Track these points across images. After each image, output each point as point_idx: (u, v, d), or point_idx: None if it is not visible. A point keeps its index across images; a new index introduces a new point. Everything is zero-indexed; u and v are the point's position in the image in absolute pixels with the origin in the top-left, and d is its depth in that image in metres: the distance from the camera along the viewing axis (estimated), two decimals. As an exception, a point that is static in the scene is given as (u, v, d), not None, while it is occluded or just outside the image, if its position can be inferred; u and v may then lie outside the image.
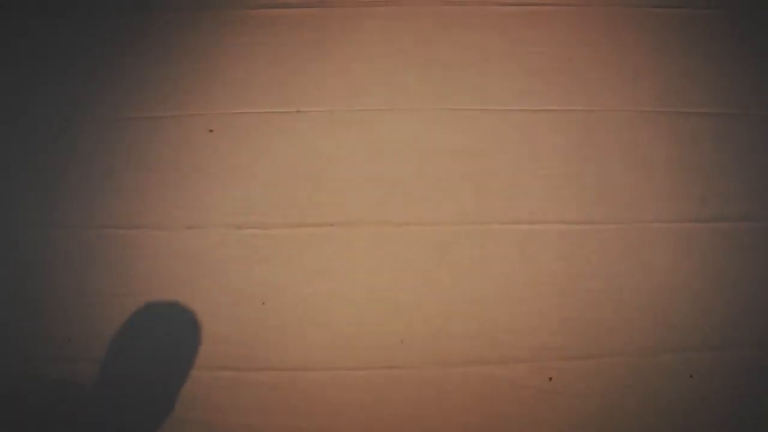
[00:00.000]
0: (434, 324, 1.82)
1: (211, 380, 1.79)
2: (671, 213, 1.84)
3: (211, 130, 1.75)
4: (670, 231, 1.83)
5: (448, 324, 1.82)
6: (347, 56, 1.86)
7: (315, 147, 1.85)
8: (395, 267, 1.83)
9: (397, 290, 1.82)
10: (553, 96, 1.87)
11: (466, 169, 1.85)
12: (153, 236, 1.81)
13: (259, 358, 1.80)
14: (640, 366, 1.81)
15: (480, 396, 1.80)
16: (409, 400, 1.80)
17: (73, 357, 1.78)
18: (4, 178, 1.82)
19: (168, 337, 1.80)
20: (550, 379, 1.77)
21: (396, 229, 1.84)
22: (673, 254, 1.83)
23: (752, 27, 1.89)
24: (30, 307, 1.79)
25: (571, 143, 1.87)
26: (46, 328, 1.79)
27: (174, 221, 1.82)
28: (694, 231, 1.84)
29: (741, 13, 1.89)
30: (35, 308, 1.79)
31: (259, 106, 1.85)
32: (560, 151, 1.87)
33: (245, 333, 1.80)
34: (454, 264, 1.83)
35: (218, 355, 1.79)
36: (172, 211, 1.82)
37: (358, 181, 1.84)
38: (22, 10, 1.86)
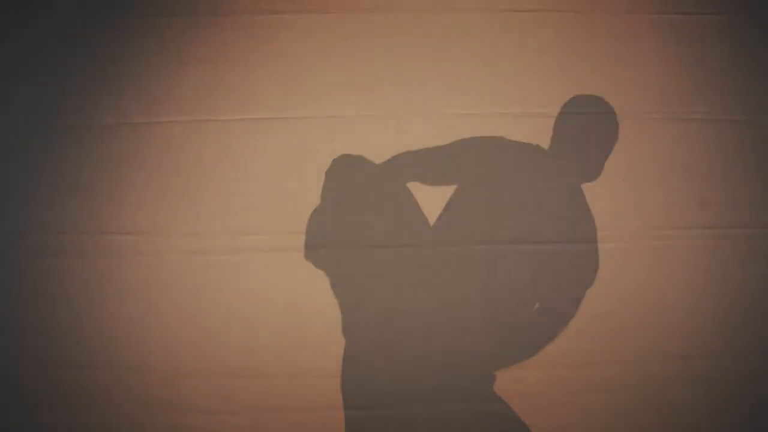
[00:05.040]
0: (422, 356, 1.78)
1: (212, 388, 1.78)
2: (676, 221, 1.82)
3: None
4: (675, 239, 1.82)
5: (437, 355, 1.79)
6: (347, 62, 1.82)
7: (281, 161, 1.80)
8: (398, 288, 1.79)
9: (400, 311, 1.78)
10: (551, 100, 1.83)
11: (466, 181, 1.81)
12: (151, 243, 1.79)
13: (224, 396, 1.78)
14: (648, 374, 1.81)
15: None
16: (408, 422, 1.78)
17: (66, 363, 1.78)
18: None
19: (164, 344, 1.78)
20: None
21: (392, 251, 1.79)
22: (679, 262, 1.82)
23: (757, 32, 1.87)
24: (22, 315, 1.79)
25: (567, 151, 1.84)
26: (35, 335, 1.78)
27: (173, 229, 1.79)
28: (700, 239, 1.82)
29: (745, 18, 1.87)
30: (27, 316, 1.78)
31: (254, 112, 1.81)
32: (556, 160, 1.82)
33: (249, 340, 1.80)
34: (440, 289, 1.79)
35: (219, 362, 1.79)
36: (172, 218, 1.79)
37: (331, 198, 1.80)
38: (13, 11, 1.83)
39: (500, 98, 1.82)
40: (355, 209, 1.79)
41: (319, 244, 1.78)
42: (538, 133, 1.81)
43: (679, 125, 1.83)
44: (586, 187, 1.80)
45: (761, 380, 1.81)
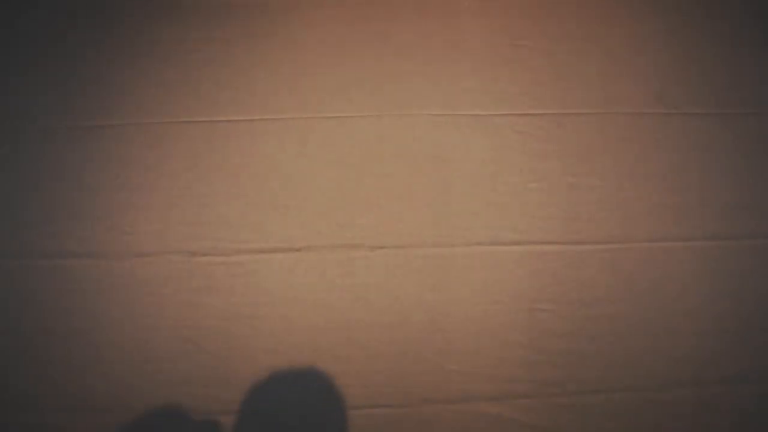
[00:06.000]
0: (421, 357, 1.77)
1: (211, 389, 1.73)
2: (678, 221, 1.80)
3: None
4: (683, 250, 1.79)
5: (436, 357, 1.76)
6: (347, 63, 1.81)
7: (277, 160, 1.79)
8: (374, 297, 1.77)
9: (379, 323, 1.76)
10: (543, 99, 1.83)
11: (449, 185, 1.80)
12: (94, 267, 1.73)
13: (225, 401, 1.74)
14: (648, 375, 1.78)
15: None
16: (408, 422, 1.75)
17: (66, 362, 1.72)
18: None
19: (163, 344, 1.73)
20: None
21: (371, 253, 1.78)
22: (685, 276, 1.79)
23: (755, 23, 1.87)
24: (21, 315, 1.72)
25: (565, 151, 1.82)
26: (34, 335, 1.72)
27: (119, 249, 1.74)
28: (700, 240, 1.80)
29: (743, 9, 1.87)
30: (26, 316, 1.72)
31: (254, 112, 1.80)
32: (553, 161, 1.81)
33: (206, 373, 1.74)
34: (439, 290, 1.78)
35: (218, 363, 1.74)
36: (117, 237, 1.74)
37: (329, 198, 1.79)
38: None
39: (498, 98, 1.81)
40: (355, 210, 1.79)
41: (319, 245, 1.77)
42: (537, 133, 1.81)
43: (680, 121, 1.82)
44: (586, 187, 1.80)
45: (759, 381, 1.80)
